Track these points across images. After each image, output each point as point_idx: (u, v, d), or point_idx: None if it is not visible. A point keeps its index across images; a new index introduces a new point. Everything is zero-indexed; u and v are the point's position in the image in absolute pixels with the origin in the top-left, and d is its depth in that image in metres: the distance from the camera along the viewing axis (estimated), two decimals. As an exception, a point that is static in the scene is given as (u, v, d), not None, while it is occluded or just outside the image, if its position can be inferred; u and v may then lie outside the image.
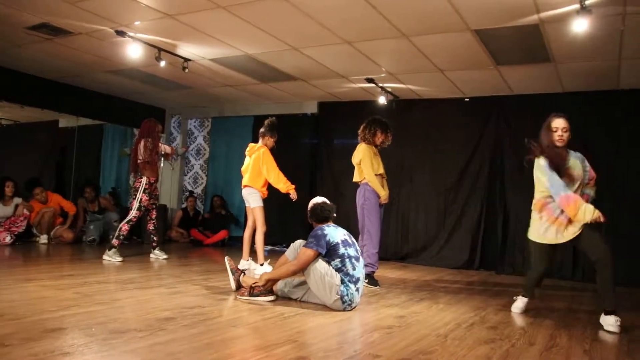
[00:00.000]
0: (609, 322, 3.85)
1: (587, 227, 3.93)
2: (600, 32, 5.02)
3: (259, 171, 5.84)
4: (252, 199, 5.86)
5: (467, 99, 7.86)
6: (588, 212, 3.83)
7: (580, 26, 4.71)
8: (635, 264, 6.69)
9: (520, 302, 4.43)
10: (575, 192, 4.01)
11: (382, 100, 7.67)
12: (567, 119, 4.12)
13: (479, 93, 7.60)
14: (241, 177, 6.06)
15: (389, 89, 7.65)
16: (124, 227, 6.35)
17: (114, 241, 6.28)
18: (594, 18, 4.67)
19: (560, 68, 6.22)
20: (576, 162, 4.14)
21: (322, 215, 4.30)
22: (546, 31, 5.13)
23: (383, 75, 7.00)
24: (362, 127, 5.72)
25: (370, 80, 7.26)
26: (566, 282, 6.75)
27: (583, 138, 7.07)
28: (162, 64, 6.49)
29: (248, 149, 6.07)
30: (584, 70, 6.24)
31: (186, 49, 6.44)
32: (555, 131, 4.08)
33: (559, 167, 4.04)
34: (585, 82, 6.71)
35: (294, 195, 5.80)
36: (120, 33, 5.83)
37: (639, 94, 6.77)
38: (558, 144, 4.08)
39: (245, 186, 5.93)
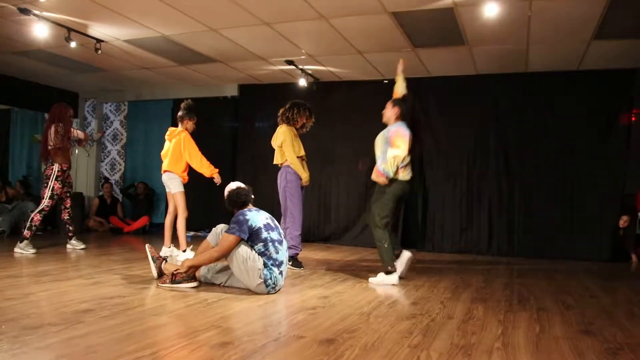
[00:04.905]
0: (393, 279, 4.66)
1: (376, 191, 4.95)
2: (510, 17, 5.24)
3: (179, 156, 5.72)
4: (173, 185, 5.73)
5: (386, 81, 7.98)
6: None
7: (491, 10, 4.93)
8: (539, 237, 7.11)
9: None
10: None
11: (302, 82, 7.67)
12: (388, 101, 5.32)
13: (398, 75, 7.74)
14: (161, 162, 5.91)
15: (309, 71, 7.66)
16: (36, 217, 6.04)
17: (26, 232, 5.97)
18: (504, 3, 4.87)
19: (474, 51, 6.44)
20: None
21: (239, 201, 4.25)
22: (460, 14, 5.29)
23: (303, 57, 6.99)
24: (284, 109, 5.67)
25: (290, 63, 7.23)
26: (483, 256, 7.08)
27: (495, 117, 7.44)
28: (73, 45, 6.18)
29: (168, 133, 5.91)
30: (495, 53, 6.49)
31: (98, 29, 6.16)
32: None
33: None
34: (497, 65, 6.99)
35: (217, 179, 5.73)
36: (24, 11, 5.48)
37: (545, 77, 7.15)
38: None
39: (165, 171, 5.79)
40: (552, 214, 7.07)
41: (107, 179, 9.75)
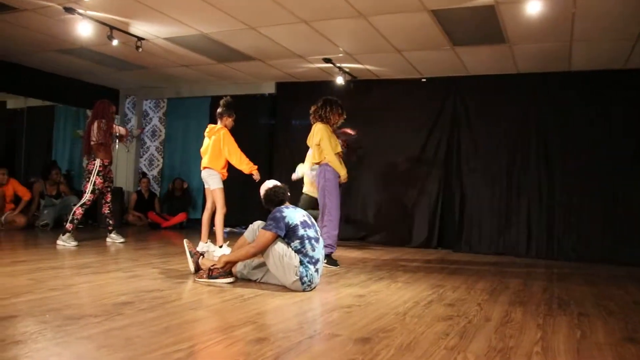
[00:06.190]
0: None
1: None
2: (553, 14, 5.12)
3: (219, 152, 5.76)
4: (212, 181, 5.79)
5: (424, 80, 7.92)
6: None
7: (534, 8, 4.83)
8: (580, 240, 6.93)
9: None
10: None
11: (339, 80, 7.66)
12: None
13: (436, 73, 7.67)
14: (199, 158, 5.97)
15: (347, 69, 7.64)
16: (78, 210, 6.19)
17: (68, 225, 6.12)
18: (547, 0, 4.76)
19: (515, 49, 6.32)
20: None
21: (277, 200, 4.28)
22: (501, 12, 5.20)
23: (341, 55, 6.98)
24: (316, 107, 5.64)
25: (327, 61, 7.23)
26: (520, 259, 6.94)
27: (536, 117, 7.29)
28: (115, 43, 6.31)
29: (207, 130, 5.97)
30: (537, 51, 6.36)
31: (139, 28, 6.27)
32: None
33: None
34: (539, 64, 6.85)
35: (257, 175, 5.75)
36: (69, 10, 5.62)
37: (589, 76, 6.96)
38: None
39: (205, 168, 5.85)
40: (594, 216, 6.88)
41: (144, 174, 9.90)
